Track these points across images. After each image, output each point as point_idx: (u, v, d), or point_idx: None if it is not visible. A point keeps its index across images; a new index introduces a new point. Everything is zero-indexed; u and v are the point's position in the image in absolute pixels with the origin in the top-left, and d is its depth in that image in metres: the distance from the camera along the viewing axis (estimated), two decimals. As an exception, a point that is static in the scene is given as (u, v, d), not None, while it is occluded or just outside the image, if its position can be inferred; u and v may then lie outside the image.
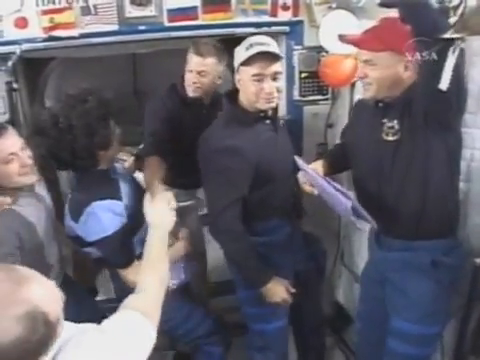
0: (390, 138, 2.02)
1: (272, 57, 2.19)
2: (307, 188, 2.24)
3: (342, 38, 2.14)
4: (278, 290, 2.37)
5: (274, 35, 2.75)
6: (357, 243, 3.00)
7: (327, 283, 3.10)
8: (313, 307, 2.87)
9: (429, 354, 2.25)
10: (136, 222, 2.24)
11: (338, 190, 2.04)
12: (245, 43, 2.22)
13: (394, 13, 1.64)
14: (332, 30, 2.47)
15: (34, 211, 2.18)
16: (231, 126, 2.29)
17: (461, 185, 2.16)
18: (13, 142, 2.06)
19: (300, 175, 2.29)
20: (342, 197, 2.00)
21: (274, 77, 2.21)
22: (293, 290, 2.42)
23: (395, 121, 2.00)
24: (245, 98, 2.28)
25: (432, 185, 2.00)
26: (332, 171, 2.37)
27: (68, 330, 1.33)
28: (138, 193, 2.34)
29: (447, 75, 1.49)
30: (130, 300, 1.60)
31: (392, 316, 2.21)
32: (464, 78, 1.77)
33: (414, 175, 2.01)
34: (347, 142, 2.35)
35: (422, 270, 2.07)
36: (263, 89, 2.20)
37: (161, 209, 2.04)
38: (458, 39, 1.38)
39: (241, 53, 2.20)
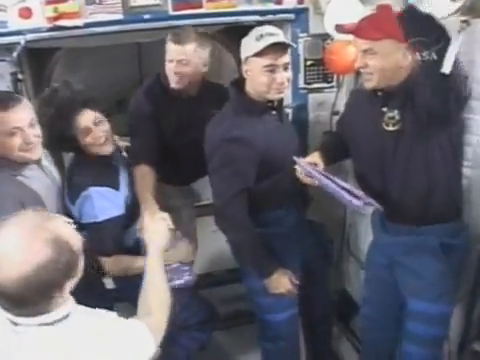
0: (391, 128, 2.03)
1: (283, 47, 2.20)
2: (307, 180, 2.23)
3: (339, 28, 2.14)
4: (283, 281, 2.38)
5: (279, 23, 2.75)
6: (363, 231, 3.00)
7: (333, 271, 3.10)
8: (322, 295, 2.88)
9: (447, 334, 2.28)
10: (133, 214, 2.28)
11: (344, 188, 2.04)
12: (254, 34, 2.20)
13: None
14: (337, 16, 2.44)
15: (40, 184, 2.17)
16: (238, 116, 2.28)
17: (468, 171, 2.16)
18: (22, 117, 2.05)
19: (297, 168, 2.25)
20: (348, 196, 2.00)
21: (285, 67, 2.22)
22: (297, 282, 2.42)
23: (396, 111, 2.01)
24: (253, 88, 2.27)
25: (436, 173, 2.02)
26: (329, 162, 2.33)
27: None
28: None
29: (450, 58, 1.48)
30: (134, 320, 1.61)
31: (409, 299, 2.23)
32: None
33: (417, 164, 2.02)
34: (346, 133, 2.34)
35: (431, 252, 2.10)
36: (275, 79, 2.20)
37: (160, 230, 2.04)
38: (464, 22, 1.36)
39: (251, 44, 2.18)
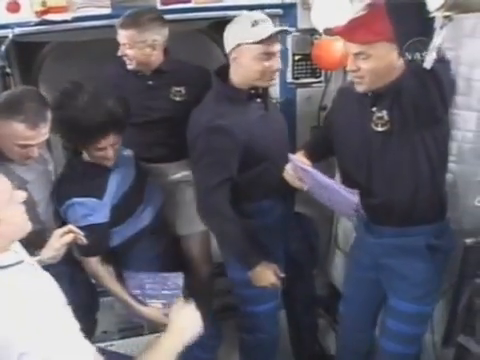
0: (379, 129, 1.99)
1: (275, 34, 2.19)
2: (297, 183, 2.22)
3: (328, 31, 2.11)
4: (266, 274, 2.32)
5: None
6: (351, 224, 3.01)
7: (321, 265, 3.12)
8: (305, 287, 2.89)
9: (425, 331, 2.31)
10: (119, 215, 2.33)
11: (341, 188, 2.04)
12: (245, 20, 2.19)
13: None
14: (325, 11, 2.45)
15: (32, 173, 2.19)
16: (221, 105, 2.26)
17: (453, 166, 2.18)
18: (40, 138, 2.06)
19: (288, 168, 2.24)
20: (346, 193, 2.00)
21: (278, 55, 2.23)
22: (282, 274, 2.36)
23: (384, 111, 1.97)
24: (243, 75, 2.25)
25: (422, 175, 2.00)
26: (315, 159, 2.32)
27: None
28: (136, 180, 2.45)
29: (432, 53, 1.48)
30: None
31: (391, 297, 2.23)
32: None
33: (404, 166, 2.00)
34: (332, 130, 2.29)
35: (417, 254, 2.10)
36: (271, 67, 2.20)
37: (191, 317, 1.72)
38: (446, 17, 1.38)
39: (247, 30, 2.15)
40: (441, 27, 1.38)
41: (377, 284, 2.30)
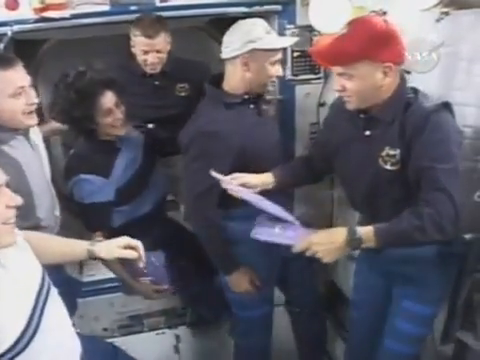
0: (389, 167, 1.90)
1: None
2: (233, 192, 2.19)
3: (310, 53, 2.10)
4: (241, 281, 2.39)
5: (266, 14, 2.75)
6: (350, 224, 3.01)
7: (321, 263, 3.11)
8: (306, 294, 2.86)
9: (430, 331, 2.29)
10: (124, 196, 2.36)
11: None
12: (259, 27, 2.20)
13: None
14: (323, 9, 2.43)
15: (23, 154, 2.18)
16: (215, 111, 2.28)
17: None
18: (23, 76, 2.06)
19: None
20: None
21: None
22: (258, 283, 2.43)
23: (398, 150, 1.86)
24: (245, 80, 2.24)
25: None
26: (280, 186, 2.28)
27: None
28: (143, 166, 2.55)
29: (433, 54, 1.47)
30: None
31: (402, 299, 2.19)
32: None
33: (413, 194, 1.90)
34: (330, 152, 2.18)
35: (429, 262, 2.05)
36: (277, 72, 2.27)
37: None
38: (443, 13, 1.38)
39: (261, 36, 2.17)
40: (437, 20, 1.37)
41: (386, 288, 2.27)
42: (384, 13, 2.20)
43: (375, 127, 1.92)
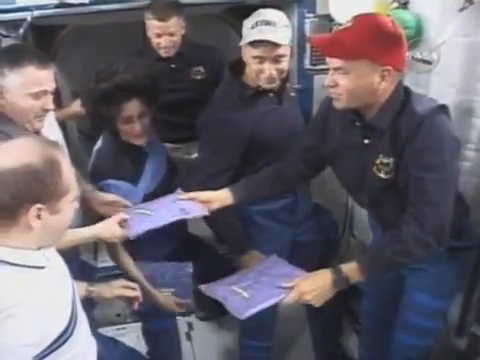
0: (383, 176, 1.83)
1: (273, 40, 2.12)
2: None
3: (310, 40, 2.06)
4: (249, 262, 2.30)
5: (285, 3, 2.73)
6: (366, 214, 3.00)
7: (333, 252, 3.10)
8: None
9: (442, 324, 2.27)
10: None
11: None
12: (252, 18, 2.16)
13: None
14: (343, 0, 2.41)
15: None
16: (229, 98, 2.28)
17: (471, 154, 2.15)
18: (52, 80, 2.01)
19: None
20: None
21: (276, 60, 2.16)
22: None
23: (391, 159, 1.80)
24: (249, 73, 2.25)
25: None
26: (241, 198, 2.17)
27: None
28: (168, 174, 2.46)
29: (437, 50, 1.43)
30: None
31: (413, 291, 2.16)
32: None
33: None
34: (322, 159, 2.13)
35: (439, 257, 1.98)
36: (261, 71, 2.17)
37: None
38: (467, 1, 1.35)
39: (246, 30, 2.15)
40: (460, 10, 1.35)
41: (398, 281, 2.23)
42: (406, 3, 2.18)
43: (372, 135, 1.86)
